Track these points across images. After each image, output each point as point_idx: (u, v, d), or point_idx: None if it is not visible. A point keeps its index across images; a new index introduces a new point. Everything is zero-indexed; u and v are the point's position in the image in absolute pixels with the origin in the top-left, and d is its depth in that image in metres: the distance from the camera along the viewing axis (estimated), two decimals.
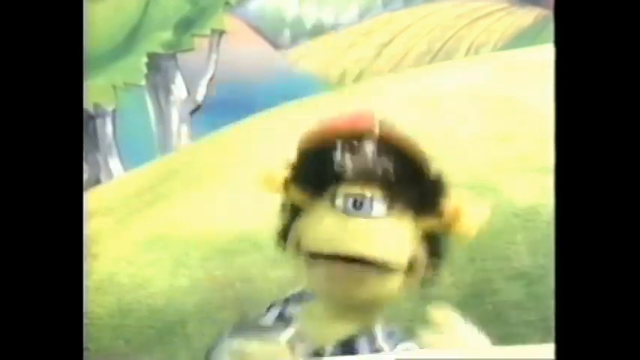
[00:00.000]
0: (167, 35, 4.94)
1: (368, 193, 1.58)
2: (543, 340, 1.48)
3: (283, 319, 1.67)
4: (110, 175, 4.85)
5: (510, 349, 1.53)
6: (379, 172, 1.58)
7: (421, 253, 1.63)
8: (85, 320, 2.30)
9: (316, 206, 1.62)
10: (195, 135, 4.79)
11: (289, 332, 1.63)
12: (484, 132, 2.88)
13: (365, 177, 1.58)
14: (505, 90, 3.04)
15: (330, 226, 1.58)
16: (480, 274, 2.62)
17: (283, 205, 1.68)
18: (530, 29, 5.07)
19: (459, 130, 2.87)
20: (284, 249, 1.67)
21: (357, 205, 1.58)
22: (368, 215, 1.58)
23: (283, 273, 2.43)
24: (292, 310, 1.69)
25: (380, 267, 1.58)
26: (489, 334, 1.63)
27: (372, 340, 1.64)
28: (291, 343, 1.62)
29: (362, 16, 5.18)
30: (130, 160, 4.70)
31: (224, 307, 2.59)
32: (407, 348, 1.64)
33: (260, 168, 1.69)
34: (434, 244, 1.65)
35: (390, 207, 1.59)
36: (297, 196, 1.65)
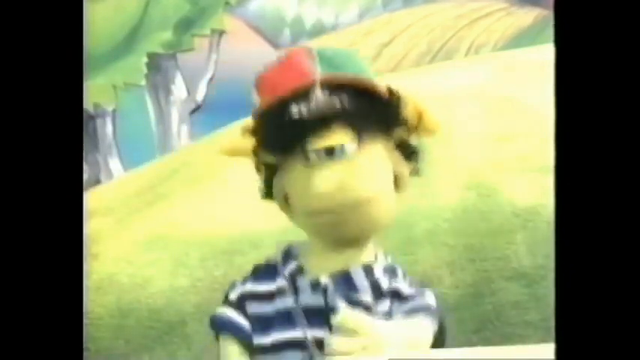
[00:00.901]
0: (167, 35, 4.94)
1: (335, 140, 1.61)
2: (543, 340, 1.48)
3: (288, 256, 1.71)
4: (110, 175, 4.85)
5: (510, 349, 1.53)
6: (338, 110, 1.62)
7: (401, 166, 1.69)
8: (85, 320, 2.30)
9: (291, 163, 1.65)
10: (195, 135, 4.79)
11: (292, 266, 1.69)
12: (484, 132, 2.88)
13: (326, 120, 1.61)
14: (505, 90, 3.03)
15: (316, 185, 1.62)
16: (480, 274, 2.62)
17: (256, 166, 1.71)
18: (530, 29, 5.07)
19: (459, 130, 2.86)
20: (273, 202, 1.71)
21: (330, 153, 1.62)
22: (344, 159, 1.62)
23: None
24: (296, 246, 1.73)
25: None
26: (489, 334, 1.63)
27: (369, 272, 1.67)
28: (293, 277, 1.68)
29: (362, 16, 5.18)
30: (130, 160, 4.70)
31: None
32: (397, 287, 1.68)
33: (221, 140, 1.72)
34: (407, 149, 1.70)
35: (360, 142, 1.63)
36: (268, 158, 1.68)
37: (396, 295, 1.68)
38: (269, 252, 2.62)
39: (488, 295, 2.60)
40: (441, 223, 2.67)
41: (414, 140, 1.70)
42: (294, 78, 1.64)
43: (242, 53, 4.95)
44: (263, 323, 1.68)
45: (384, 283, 1.68)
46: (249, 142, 1.68)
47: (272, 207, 1.70)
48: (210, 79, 4.97)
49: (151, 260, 2.78)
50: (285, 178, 1.67)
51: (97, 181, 4.71)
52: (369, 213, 1.64)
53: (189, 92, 5.00)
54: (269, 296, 1.69)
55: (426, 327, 1.63)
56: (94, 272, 2.77)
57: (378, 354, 1.52)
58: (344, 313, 1.58)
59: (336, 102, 1.62)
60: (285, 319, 1.66)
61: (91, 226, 2.80)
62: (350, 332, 1.54)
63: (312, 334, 1.64)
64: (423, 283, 1.76)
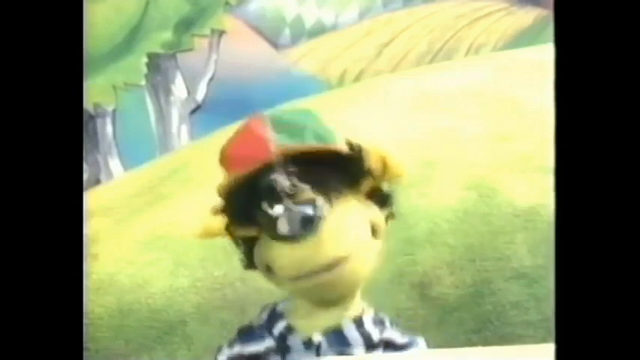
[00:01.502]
0: (167, 35, 4.94)
1: (305, 208, 1.62)
2: (543, 340, 1.48)
3: (275, 316, 1.71)
4: (110, 175, 4.85)
5: (510, 349, 1.53)
6: (302, 183, 1.62)
7: (376, 215, 1.70)
8: (85, 320, 2.30)
9: (264, 235, 1.67)
10: (195, 135, 4.79)
11: (281, 326, 1.70)
12: (484, 132, 2.88)
13: (297, 179, 1.62)
14: (505, 90, 3.03)
15: (296, 255, 1.63)
16: (480, 274, 2.62)
17: (235, 241, 1.73)
18: (530, 29, 5.07)
19: (459, 130, 2.86)
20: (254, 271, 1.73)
21: (305, 224, 1.62)
22: (317, 228, 1.62)
23: None
24: (282, 306, 1.74)
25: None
26: (489, 334, 1.63)
27: (360, 324, 1.69)
28: (283, 337, 1.69)
29: (362, 16, 5.18)
30: (130, 160, 4.70)
31: (224, 307, 2.59)
32: (389, 337, 1.70)
33: (195, 227, 1.74)
34: (379, 197, 1.71)
35: (330, 203, 1.64)
36: (242, 232, 1.70)
37: (390, 346, 1.70)
38: None
39: (488, 295, 2.60)
40: (441, 224, 2.67)
41: (384, 186, 1.71)
42: (254, 152, 1.65)
43: (242, 53, 4.95)
44: None
45: (375, 335, 1.70)
46: (222, 221, 1.69)
47: None
48: (210, 79, 4.97)
49: (151, 260, 2.78)
50: (264, 251, 1.69)
51: (97, 181, 4.71)
52: (351, 269, 1.66)
53: (189, 92, 5.00)
54: (257, 358, 1.70)
55: None
56: (94, 272, 2.77)
57: None
58: None
59: (298, 176, 1.62)
60: None
61: (91, 226, 2.80)
62: None
63: None
64: (411, 331, 1.78)
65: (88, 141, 4.82)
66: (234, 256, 2.76)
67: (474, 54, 5.02)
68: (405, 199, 1.74)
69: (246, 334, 1.73)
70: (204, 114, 4.91)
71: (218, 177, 1.75)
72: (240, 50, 4.98)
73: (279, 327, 1.70)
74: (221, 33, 4.97)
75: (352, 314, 1.70)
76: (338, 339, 1.67)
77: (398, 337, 1.71)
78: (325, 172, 1.64)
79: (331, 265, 1.63)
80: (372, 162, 1.67)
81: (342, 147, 1.67)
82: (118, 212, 3.03)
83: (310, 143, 1.65)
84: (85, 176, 4.75)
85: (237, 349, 1.72)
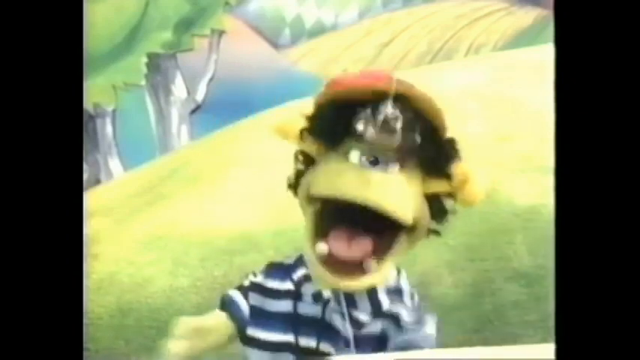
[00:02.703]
0: (167, 35, 4.94)
1: (382, 156, 1.60)
2: (543, 340, 1.48)
3: (301, 262, 1.72)
4: (110, 175, 4.85)
5: (510, 349, 1.53)
6: (395, 141, 1.60)
7: (425, 214, 1.65)
8: (85, 320, 2.30)
9: (330, 157, 1.65)
10: (195, 135, 4.79)
11: (300, 273, 1.70)
12: (484, 132, 2.88)
13: (381, 143, 1.60)
14: (505, 90, 3.04)
15: (350, 176, 1.60)
16: (480, 274, 2.62)
17: (296, 154, 1.71)
18: (530, 29, 5.07)
19: (458, 130, 2.87)
20: (295, 195, 1.70)
21: (374, 161, 1.61)
22: (384, 170, 1.60)
23: None
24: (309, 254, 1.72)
25: (386, 225, 1.60)
26: (489, 334, 1.63)
27: (372, 295, 1.67)
28: (300, 283, 1.70)
29: (362, 16, 5.18)
30: (130, 160, 4.71)
31: None
32: (397, 311, 1.67)
33: (276, 119, 1.70)
34: (436, 207, 1.67)
35: (402, 166, 1.61)
36: (312, 146, 1.67)
37: (395, 321, 1.68)
38: (269, 252, 2.62)
39: (489, 295, 2.60)
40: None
41: (445, 201, 1.67)
42: (370, 79, 1.63)
43: (242, 53, 4.96)
44: (261, 317, 1.71)
45: (385, 304, 1.68)
46: (302, 125, 1.67)
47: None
48: (210, 79, 4.97)
49: (151, 260, 2.79)
50: (317, 170, 1.66)
51: (97, 181, 4.71)
52: (382, 235, 1.62)
53: (189, 92, 5.00)
54: (274, 294, 1.71)
55: None
56: (94, 272, 2.77)
57: None
58: None
59: (399, 132, 1.59)
60: (282, 321, 1.69)
61: (91, 226, 2.80)
62: None
63: (303, 341, 1.67)
64: (426, 307, 1.75)
65: (88, 141, 4.83)
66: (234, 256, 2.77)
67: (474, 54, 5.03)
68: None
69: (273, 269, 1.74)
70: (204, 114, 4.91)
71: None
72: (240, 50, 4.98)
73: (298, 273, 1.70)
74: (221, 33, 4.97)
75: (369, 283, 1.66)
76: (347, 300, 1.65)
77: (405, 315, 1.67)
78: (416, 138, 1.60)
79: (375, 209, 1.58)
80: (456, 170, 1.64)
81: (445, 128, 1.64)
82: (118, 212, 3.03)
83: (425, 98, 1.63)
84: (85, 176, 4.75)
85: (260, 279, 1.73)
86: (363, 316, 1.66)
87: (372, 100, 1.61)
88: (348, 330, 1.65)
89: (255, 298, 1.72)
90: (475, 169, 1.65)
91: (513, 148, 2.81)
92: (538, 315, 2.55)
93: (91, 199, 3.07)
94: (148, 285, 2.74)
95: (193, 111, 5.00)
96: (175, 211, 2.92)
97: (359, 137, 1.60)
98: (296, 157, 1.71)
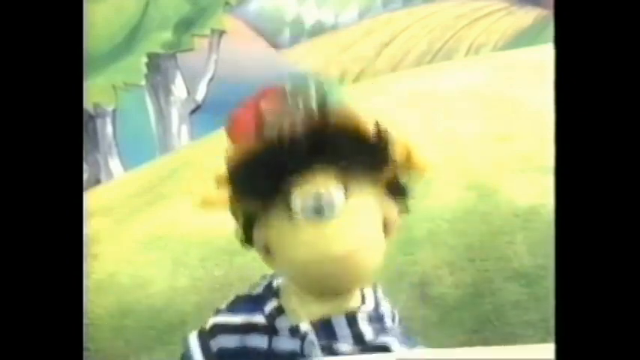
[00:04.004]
0: (167, 35, 4.94)
1: (323, 188, 1.52)
2: (543, 340, 1.48)
3: (270, 292, 1.63)
4: (110, 175, 4.85)
5: (510, 349, 1.53)
6: (321, 152, 1.52)
7: (391, 210, 1.60)
8: (85, 320, 2.30)
9: (272, 213, 1.56)
10: (195, 135, 4.79)
11: (272, 305, 1.61)
12: (484, 132, 2.88)
13: (310, 163, 1.52)
14: (505, 90, 3.04)
15: (304, 237, 1.53)
16: (480, 274, 2.62)
17: (234, 214, 1.62)
18: (530, 29, 5.07)
19: (459, 130, 2.87)
20: (249, 249, 1.63)
21: (318, 212, 1.52)
22: (332, 217, 1.52)
23: None
24: (278, 282, 1.64)
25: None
26: (489, 334, 1.63)
27: (352, 321, 1.60)
28: (272, 316, 1.60)
29: (362, 16, 5.18)
30: (130, 160, 4.70)
31: None
32: (384, 342, 1.60)
33: (192, 191, 1.64)
34: (396, 189, 1.60)
35: (347, 191, 1.53)
36: (247, 207, 1.58)
37: (384, 351, 1.59)
38: None
39: (489, 295, 2.60)
40: (441, 224, 2.68)
41: (403, 178, 1.60)
42: (270, 117, 1.54)
43: (242, 53, 4.95)
44: (232, 359, 1.61)
45: (369, 334, 1.60)
46: (225, 193, 1.58)
47: None
48: (210, 79, 4.97)
49: (151, 260, 2.79)
50: (266, 229, 1.58)
51: (97, 181, 4.71)
52: (356, 265, 1.55)
53: (189, 92, 5.00)
54: (243, 329, 1.61)
55: None
56: (94, 272, 2.77)
57: None
58: None
59: (319, 143, 1.51)
60: (255, 359, 1.59)
61: (91, 226, 2.80)
62: None
63: None
64: (411, 332, 1.69)
65: (88, 141, 4.82)
66: (234, 256, 2.76)
67: (474, 54, 5.02)
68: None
69: (240, 303, 1.63)
70: (204, 114, 4.91)
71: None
72: (240, 50, 4.98)
73: (270, 305, 1.60)
74: (221, 33, 4.97)
75: (347, 306, 1.59)
76: (326, 332, 1.57)
77: (395, 344, 1.59)
78: (346, 154, 1.52)
79: (336, 258, 1.51)
80: (397, 150, 1.56)
81: (369, 127, 1.54)
82: (118, 212, 3.03)
83: (334, 109, 1.53)
84: (85, 176, 4.75)
85: (223, 318, 1.62)
86: (345, 348, 1.58)
87: (280, 146, 1.52)
88: None
89: (219, 341, 1.62)
90: (407, 138, 1.59)
91: (513, 148, 2.81)
92: (538, 315, 2.55)
93: (91, 199, 3.07)
94: (148, 285, 2.74)
95: (193, 111, 5.00)
96: (175, 211, 2.92)
97: (286, 179, 1.52)
98: (235, 217, 1.61)
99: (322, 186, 1.52)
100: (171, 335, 2.67)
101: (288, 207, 1.53)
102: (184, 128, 5.00)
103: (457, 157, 2.78)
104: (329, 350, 1.58)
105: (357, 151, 1.54)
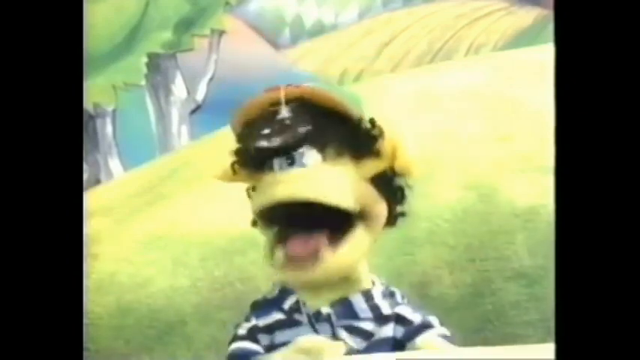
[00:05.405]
0: (167, 35, 4.95)
1: (297, 154, 1.62)
2: (543, 340, 1.48)
3: (286, 291, 1.69)
4: (110, 175, 4.85)
5: (510, 349, 1.53)
6: (302, 129, 1.62)
7: (373, 198, 1.65)
8: (85, 320, 2.30)
9: (262, 179, 1.66)
10: (195, 135, 4.79)
11: (290, 301, 1.68)
12: (484, 132, 2.88)
13: (290, 139, 1.62)
14: (505, 90, 3.03)
15: (273, 182, 1.62)
16: (480, 274, 2.62)
17: (247, 191, 1.72)
18: (530, 29, 5.07)
19: (459, 130, 2.87)
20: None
21: (290, 162, 1.62)
22: (301, 166, 1.62)
23: None
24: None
25: (338, 217, 1.61)
26: (489, 334, 1.63)
27: (369, 297, 1.67)
28: (293, 310, 1.67)
29: (362, 15, 5.18)
30: (129, 160, 4.71)
31: (224, 307, 2.59)
32: (401, 312, 1.67)
33: (215, 167, 1.73)
34: (387, 189, 1.67)
35: (324, 156, 1.62)
36: (247, 178, 1.69)
37: (402, 321, 1.67)
38: None
39: (489, 295, 2.60)
40: (441, 223, 2.67)
41: (398, 180, 1.67)
42: (261, 97, 1.66)
43: (242, 53, 4.96)
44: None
45: (385, 308, 1.67)
46: (230, 162, 1.69)
47: None
48: (210, 79, 4.97)
49: (151, 260, 2.79)
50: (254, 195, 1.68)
51: (97, 181, 4.71)
52: (322, 207, 1.61)
53: (189, 92, 5.00)
54: (270, 329, 1.68)
55: None
56: (94, 272, 2.77)
57: None
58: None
59: (301, 121, 1.62)
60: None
61: (91, 226, 2.80)
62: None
63: None
64: (424, 307, 1.75)
65: (88, 141, 4.83)
66: (234, 256, 2.76)
67: (474, 54, 5.03)
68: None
69: (259, 308, 1.71)
70: (204, 114, 4.92)
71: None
72: (240, 50, 4.98)
73: (289, 302, 1.68)
74: (221, 33, 4.97)
75: (360, 288, 1.66)
76: (346, 311, 1.64)
77: (409, 313, 1.67)
78: (326, 129, 1.63)
79: (301, 200, 1.59)
80: (384, 144, 1.63)
81: (351, 110, 1.64)
82: (118, 212, 3.03)
83: (318, 92, 1.65)
84: (85, 176, 4.75)
85: (253, 322, 1.69)
86: (368, 323, 1.65)
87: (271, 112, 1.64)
88: (358, 342, 1.64)
89: (264, 338, 1.68)
90: (400, 138, 1.65)
91: (513, 148, 2.81)
92: (538, 315, 2.55)
93: (91, 199, 3.07)
94: (148, 285, 2.74)
95: (193, 111, 5.00)
96: (175, 211, 2.92)
97: (269, 149, 1.62)
98: (248, 194, 1.72)
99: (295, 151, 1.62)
100: (171, 335, 2.67)
101: (271, 170, 1.63)
102: (184, 128, 5.01)
103: (457, 157, 2.78)
104: (350, 329, 1.64)
105: (338, 129, 1.63)
